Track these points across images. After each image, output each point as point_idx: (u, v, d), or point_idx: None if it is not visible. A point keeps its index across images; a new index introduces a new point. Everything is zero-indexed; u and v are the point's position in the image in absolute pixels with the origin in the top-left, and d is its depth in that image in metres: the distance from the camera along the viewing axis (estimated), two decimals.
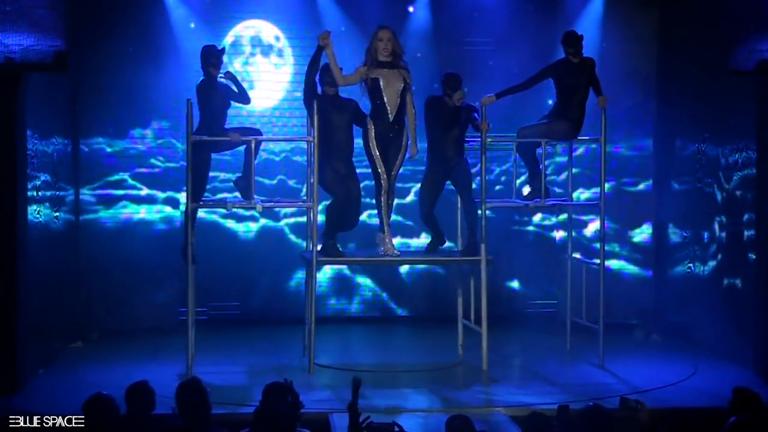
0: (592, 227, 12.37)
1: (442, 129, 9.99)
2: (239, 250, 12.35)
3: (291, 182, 12.38)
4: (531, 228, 12.82)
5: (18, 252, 8.95)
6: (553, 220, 12.59)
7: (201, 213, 11.03)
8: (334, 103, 9.74)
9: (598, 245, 12.17)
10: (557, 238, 11.32)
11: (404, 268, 12.73)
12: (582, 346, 10.47)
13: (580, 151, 12.15)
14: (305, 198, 11.32)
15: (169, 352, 10.40)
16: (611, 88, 10.24)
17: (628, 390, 8.85)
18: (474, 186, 10.28)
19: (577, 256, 10.88)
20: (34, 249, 9.45)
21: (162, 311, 11.81)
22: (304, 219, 12.04)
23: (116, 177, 11.95)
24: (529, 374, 9.68)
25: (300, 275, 12.30)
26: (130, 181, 12.01)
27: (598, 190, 11.98)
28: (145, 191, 12.04)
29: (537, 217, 12.74)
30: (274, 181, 12.18)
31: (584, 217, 12.33)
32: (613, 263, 12.41)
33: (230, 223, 12.36)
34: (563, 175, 11.95)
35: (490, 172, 12.40)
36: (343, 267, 12.56)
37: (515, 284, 12.71)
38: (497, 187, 12.32)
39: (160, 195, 12.11)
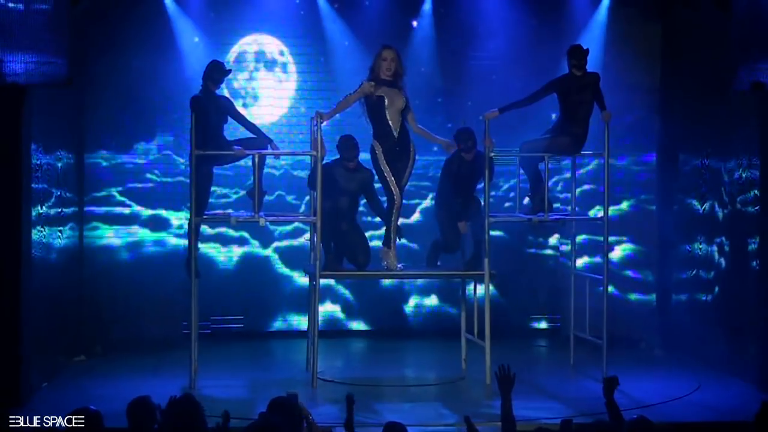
0: (619, 251, 12.28)
1: (460, 184, 10.02)
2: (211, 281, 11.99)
3: (289, 198, 12.34)
4: (548, 251, 12.76)
5: (22, 265, 8.94)
6: (569, 246, 12.17)
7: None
8: (349, 172, 9.81)
9: (627, 272, 12.14)
10: (575, 266, 11.05)
11: (409, 308, 12.68)
12: (585, 361, 10.47)
13: (594, 165, 12.07)
14: (307, 213, 11.25)
15: (172, 365, 10.41)
16: (615, 103, 10.23)
17: (632, 404, 8.84)
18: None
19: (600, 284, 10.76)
20: (37, 262, 9.46)
21: (165, 325, 11.79)
22: (294, 242, 12.13)
23: (104, 192, 11.87)
24: (532, 388, 9.66)
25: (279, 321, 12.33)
26: (118, 197, 11.90)
27: (616, 206, 12.01)
28: (133, 208, 11.96)
29: (553, 239, 12.64)
30: (272, 197, 11.88)
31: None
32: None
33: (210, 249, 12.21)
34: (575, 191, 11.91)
35: (498, 187, 12.40)
36: (336, 308, 12.52)
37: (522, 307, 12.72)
38: (506, 204, 12.22)
39: (145, 213, 12.00)
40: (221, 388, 9.48)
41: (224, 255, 12.31)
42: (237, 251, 12.34)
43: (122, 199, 11.95)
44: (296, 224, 12.32)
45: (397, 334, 12.47)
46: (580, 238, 11.80)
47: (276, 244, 12.44)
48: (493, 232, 12.15)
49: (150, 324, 11.76)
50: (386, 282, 12.45)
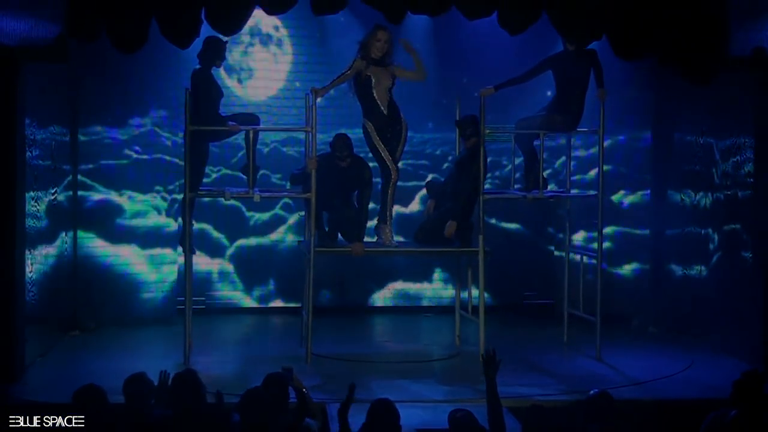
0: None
1: (461, 171, 10.02)
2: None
3: (274, 177, 12.18)
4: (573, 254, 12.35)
5: (16, 240, 8.94)
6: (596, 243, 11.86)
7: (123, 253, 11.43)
8: (343, 167, 9.72)
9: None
10: (569, 243, 10.87)
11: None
12: (579, 339, 10.50)
13: (609, 143, 11.89)
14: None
15: (166, 341, 10.44)
16: (609, 81, 10.19)
17: (625, 381, 8.88)
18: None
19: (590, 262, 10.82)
20: (32, 237, 9.45)
21: (159, 301, 11.77)
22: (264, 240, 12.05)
23: (88, 166, 11.51)
24: (526, 366, 9.70)
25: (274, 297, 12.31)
26: (80, 177, 11.48)
27: (644, 192, 11.83)
28: (98, 188, 11.59)
29: (578, 236, 12.17)
30: (258, 176, 11.70)
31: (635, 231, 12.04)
32: None
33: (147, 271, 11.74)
34: (592, 172, 11.79)
35: (502, 166, 12.36)
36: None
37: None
38: (516, 186, 12.06)
39: (94, 195, 11.56)
40: (215, 364, 9.49)
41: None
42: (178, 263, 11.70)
43: (83, 179, 11.52)
44: (275, 211, 12.28)
45: (390, 310, 12.50)
46: (610, 230, 11.73)
47: (240, 241, 12.31)
48: (510, 225, 12.29)
49: (144, 299, 11.72)
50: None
